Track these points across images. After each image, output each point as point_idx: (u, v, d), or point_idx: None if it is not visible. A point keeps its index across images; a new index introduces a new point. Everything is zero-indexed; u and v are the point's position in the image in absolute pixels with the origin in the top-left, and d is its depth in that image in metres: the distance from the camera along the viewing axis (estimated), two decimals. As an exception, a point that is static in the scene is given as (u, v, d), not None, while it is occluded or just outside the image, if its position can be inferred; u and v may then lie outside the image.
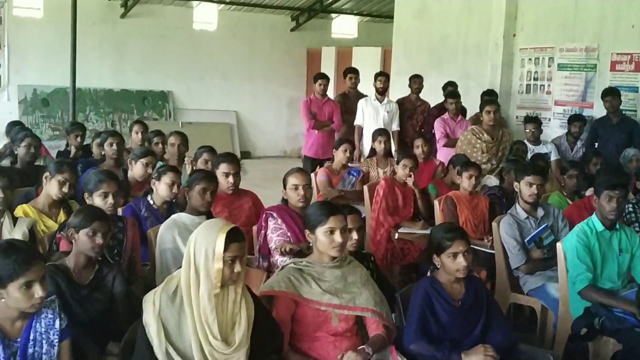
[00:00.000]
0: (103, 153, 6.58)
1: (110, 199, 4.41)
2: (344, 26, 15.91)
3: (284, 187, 5.06)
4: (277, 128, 15.83)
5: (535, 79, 10.15)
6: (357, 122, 9.59)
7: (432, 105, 10.04)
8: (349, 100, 9.96)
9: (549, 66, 9.93)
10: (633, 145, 8.27)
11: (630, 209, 5.93)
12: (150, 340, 3.02)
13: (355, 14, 15.90)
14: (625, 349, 4.36)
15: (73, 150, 7.26)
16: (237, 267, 3.05)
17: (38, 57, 13.80)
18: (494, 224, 5.53)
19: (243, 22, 15.38)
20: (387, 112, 9.57)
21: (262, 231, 4.97)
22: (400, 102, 9.90)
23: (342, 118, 9.68)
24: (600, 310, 4.49)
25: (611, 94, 8.38)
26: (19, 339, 2.98)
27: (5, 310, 2.95)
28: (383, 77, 9.64)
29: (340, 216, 3.60)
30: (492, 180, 7.24)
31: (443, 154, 8.65)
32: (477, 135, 7.55)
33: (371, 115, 9.54)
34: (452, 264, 3.75)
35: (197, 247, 3.06)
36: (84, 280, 3.78)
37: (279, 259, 4.65)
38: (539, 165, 6.19)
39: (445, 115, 9.20)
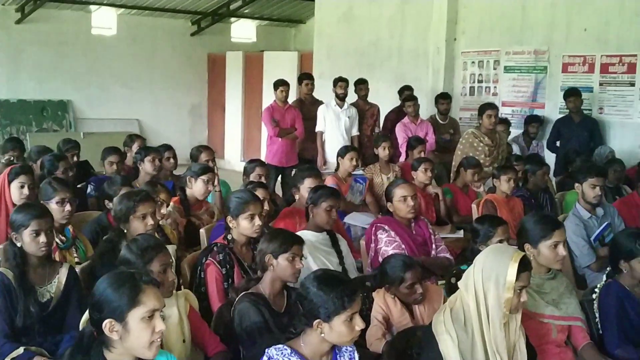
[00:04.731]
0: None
1: (257, 221, 4.15)
2: (244, 30, 15.69)
3: (389, 200, 4.98)
4: (180, 136, 15.15)
5: (480, 81, 10.57)
6: (318, 128, 9.53)
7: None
8: (305, 106, 9.88)
9: (495, 69, 10.37)
10: (593, 142, 8.85)
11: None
12: None
13: (255, 18, 15.71)
14: None
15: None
16: (524, 297, 3.01)
17: None
18: (559, 224, 5.73)
19: (143, 26, 14.72)
20: (348, 117, 9.60)
21: (373, 244, 4.87)
22: (349, 108, 9.95)
23: (301, 124, 9.60)
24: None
25: (574, 95, 8.88)
26: None
27: (319, 345, 2.81)
28: (344, 82, 9.63)
29: (562, 229, 3.62)
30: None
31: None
32: (479, 139, 7.73)
33: (332, 121, 9.52)
34: (643, 268, 3.87)
35: (485, 272, 2.97)
36: (279, 307, 3.58)
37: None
38: (601, 167, 6.46)
39: (405, 120, 9.35)
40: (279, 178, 9.61)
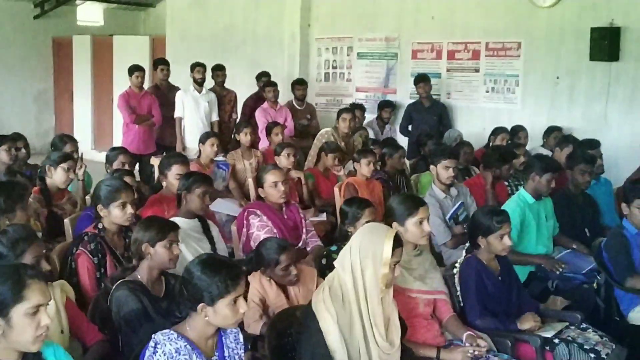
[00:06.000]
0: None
1: (129, 209, 4.10)
2: (90, 14, 15.17)
3: (260, 186, 5.05)
4: (26, 124, 14.39)
5: (335, 67, 10.81)
6: (177, 114, 9.41)
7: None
8: (162, 92, 9.75)
9: (348, 55, 10.66)
10: (442, 126, 9.30)
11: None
12: (328, 348, 3.05)
13: (102, 1, 15.21)
14: (574, 303, 5.08)
15: None
16: (397, 271, 3.16)
17: None
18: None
19: (-19, 9, 13.98)
20: (208, 102, 9.54)
21: (245, 229, 4.93)
22: (206, 94, 9.91)
23: (158, 111, 9.47)
24: (551, 274, 5.19)
25: (423, 80, 9.27)
26: (213, 358, 2.86)
27: (204, 328, 2.82)
28: (202, 67, 9.55)
29: (426, 206, 3.82)
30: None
31: (266, 143, 8.86)
32: (337, 141, 7.87)
33: (191, 107, 9.43)
34: (499, 244, 4.11)
35: (362, 250, 3.10)
36: (158, 293, 3.59)
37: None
38: (453, 149, 6.77)
39: (265, 105, 9.43)
40: (137, 166, 9.42)
